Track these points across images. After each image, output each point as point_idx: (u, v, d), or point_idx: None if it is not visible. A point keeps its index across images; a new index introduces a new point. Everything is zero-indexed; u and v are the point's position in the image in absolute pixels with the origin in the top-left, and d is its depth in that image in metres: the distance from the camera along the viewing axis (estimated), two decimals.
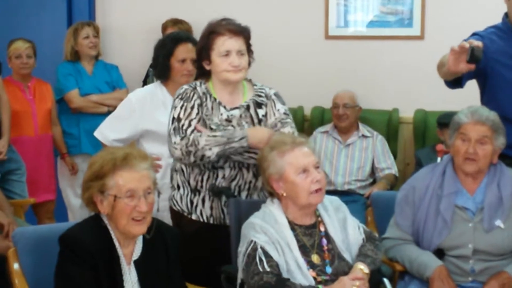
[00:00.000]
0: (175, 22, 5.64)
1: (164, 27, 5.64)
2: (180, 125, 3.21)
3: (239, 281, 2.94)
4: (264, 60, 5.67)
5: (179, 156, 3.18)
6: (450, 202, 3.21)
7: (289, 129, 3.33)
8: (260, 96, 3.37)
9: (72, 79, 5.25)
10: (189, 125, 3.21)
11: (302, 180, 2.93)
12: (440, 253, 3.21)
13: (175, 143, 3.18)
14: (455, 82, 3.45)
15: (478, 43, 3.13)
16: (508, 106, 3.45)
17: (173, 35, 3.97)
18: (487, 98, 3.57)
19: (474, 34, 3.54)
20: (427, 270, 3.14)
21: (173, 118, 3.24)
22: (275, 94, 3.40)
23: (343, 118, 5.21)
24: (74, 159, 5.28)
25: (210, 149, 3.15)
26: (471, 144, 3.18)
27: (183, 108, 3.24)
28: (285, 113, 3.37)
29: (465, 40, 3.24)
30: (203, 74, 3.36)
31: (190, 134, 3.18)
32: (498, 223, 3.16)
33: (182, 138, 3.17)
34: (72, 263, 2.56)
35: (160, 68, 3.87)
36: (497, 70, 3.46)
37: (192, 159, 3.17)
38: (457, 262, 3.18)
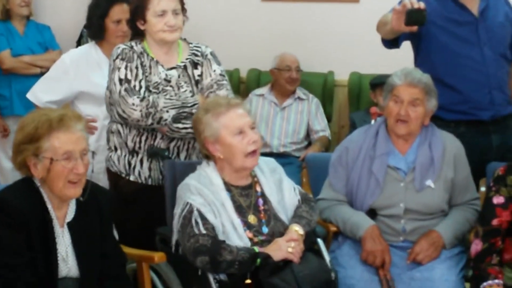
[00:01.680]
0: None
1: None
2: (132, 86, 3.19)
3: (173, 242, 2.95)
4: (200, 22, 5.66)
5: (137, 118, 3.16)
6: (383, 163, 3.26)
7: (225, 91, 3.34)
8: (196, 55, 3.37)
9: (3, 39, 5.11)
10: (140, 86, 3.20)
11: (238, 141, 2.93)
12: (372, 213, 3.26)
13: (133, 104, 3.16)
14: (392, 41, 3.47)
15: (419, 5, 3.13)
16: (441, 68, 3.50)
17: None
18: (420, 60, 3.62)
19: None
20: (359, 230, 3.19)
21: (120, 79, 3.21)
22: (211, 54, 3.41)
23: (295, 81, 5.23)
24: (6, 120, 5.17)
25: (167, 111, 3.17)
26: (403, 106, 3.22)
27: (128, 68, 3.22)
28: (221, 74, 3.38)
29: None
30: (137, 34, 3.33)
31: (149, 96, 3.16)
32: (429, 183, 3.23)
33: (141, 100, 3.15)
34: (2, 226, 2.52)
35: (95, 29, 3.81)
36: (432, 32, 3.50)
37: (150, 121, 3.17)
38: (389, 222, 3.24)
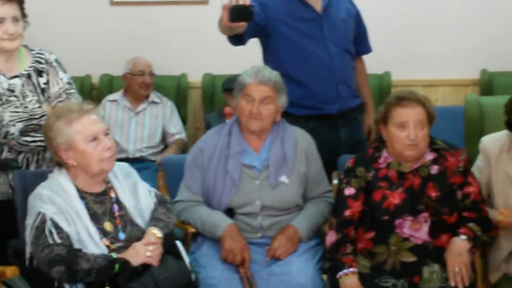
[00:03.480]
0: None
1: None
2: None
3: (27, 255, 2.84)
4: (47, 27, 5.54)
5: None
6: (237, 161, 3.29)
7: (74, 100, 3.27)
8: (39, 62, 3.27)
9: None
10: None
11: (93, 148, 2.87)
12: (230, 212, 3.29)
13: None
14: (237, 39, 3.49)
15: (243, 1, 3.14)
16: (289, 64, 3.58)
17: None
18: (268, 57, 3.69)
19: None
20: (218, 229, 3.21)
21: None
22: (56, 61, 3.32)
23: (149, 86, 5.19)
24: None
25: (14, 125, 3.07)
26: (255, 104, 3.26)
27: None
28: (68, 83, 3.31)
29: None
30: None
31: None
32: (283, 179, 3.29)
33: None
34: None
35: None
36: (278, 29, 3.57)
37: None
38: (247, 219, 3.28)
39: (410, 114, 3.06)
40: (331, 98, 3.61)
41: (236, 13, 3.14)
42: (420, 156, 3.11)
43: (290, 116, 3.50)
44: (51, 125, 2.90)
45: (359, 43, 3.81)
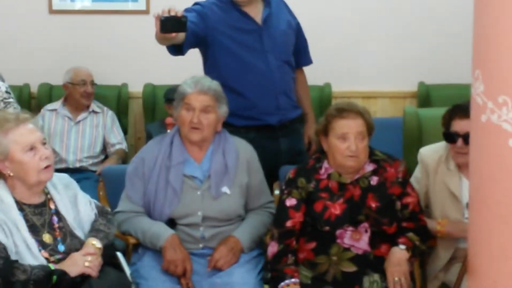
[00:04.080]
0: None
1: None
2: None
3: None
4: None
5: None
6: (179, 172, 3.28)
7: (13, 109, 3.21)
8: None
9: None
10: None
11: (30, 158, 2.82)
12: (172, 222, 3.27)
13: None
14: (176, 49, 3.47)
15: (175, 12, 3.14)
16: (228, 74, 3.59)
17: None
18: (208, 67, 3.69)
19: (196, 4, 3.62)
20: (159, 240, 3.19)
21: None
22: None
23: (91, 95, 5.14)
24: None
25: None
26: (195, 113, 3.26)
27: None
28: (7, 92, 3.25)
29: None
30: None
31: None
32: (225, 189, 3.28)
33: None
34: None
35: None
36: (218, 39, 3.58)
37: None
38: (188, 230, 3.26)
39: (350, 126, 3.09)
40: (271, 109, 3.63)
41: (168, 24, 3.14)
42: (360, 167, 3.15)
43: (230, 126, 3.50)
44: None
45: (300, 54, 3.83)
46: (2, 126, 2.83)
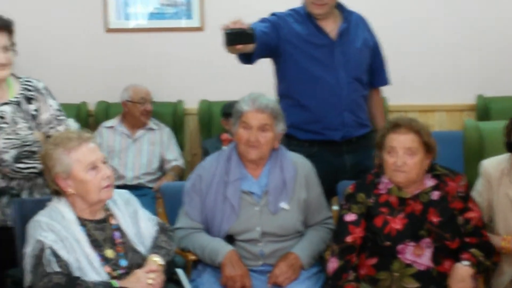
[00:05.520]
0: None
1: None
2: None
3: (26, 284, 2.80)
4: (42, 55, 5.55)
5: None
6: (236, 188, 3.27)
7: (64, 127, 3.27)
8: (28, 90, 3.26)
9: None
10: None
11: (92, 177, 2.85)
12: (230, 239, 3.27)
13: None
14: (246, 57, 3.47)
15: (240, 25, 3.16)
16: (296, 86, 3.59)
17: None
18: (278, 78, 3.69)
19: (272, 14, 3.64)
20: (218, 256, 3.18)
21: None
22: (45, 88, 3.31)
23: (150, 113, 5.21)
24: None
25: (7, 152, 3.05)
26: (252, 132, 3.25)
27: None
28: (58, 109, 3.30)
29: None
30: None
31: None
32: (283, 205, 3.27)
33: None
34: None
35: None
36: (288, 51, 3.57)
37: None
38: (247, 246, 3.25)
39: (399, 140, 3.07)
40: (335, 125, 3.59)
41: (233, 36, 3.16)
42: (411, 183, 3.11)
43: (294, 139, 3.50)
44: (50, 154, 2.88)
45: (375, 74, 3.77)
46: (65, 145, 2.87)
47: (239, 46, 3.21)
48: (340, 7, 3.69)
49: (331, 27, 3.61)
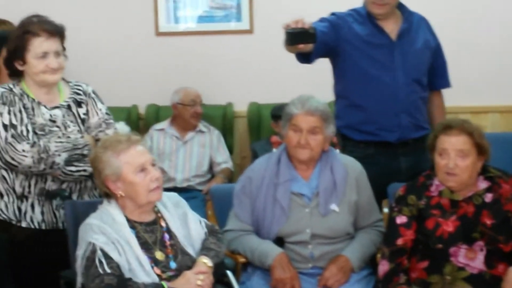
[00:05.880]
0: None
1: None
2: (19, 131, 3.08)
3: (79, 285, 2.84)
4: (94, 59, 5.62)
5: (29, 164, 3.06)
6: (286, 189, 3.26)
7: (113, 130, 3.31)
8: (78, 93, 3.31)
9: None
10: (27, 130, 3.10)
11: (141, 179, 2.88)
12: (280, 241, 3.26)
13: (23, 150, 3.05)
14: (304, 56, 3.46)
15: (302, 24, 3.15)
16: (352, 87, 3.57)
17: None
18: (336, 77, 3.68)
19: (332, 14, 3.63)
20: (268, 258, 3.18)
21: (5, 125, 3.09)
22: (94, 92, 3.36)
23: (200, 115, 5.24)
24: None
25: (59, 155, 3.09)
26: (302, 134, 3.23)
27: (12, 113, 3.11)
28: (107, 113, 3.35)
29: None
30: (15, 74, 3.23)
31: (39, 140, 3.07)
32: (333, 207, 3.25)
33: (32, 145, 3.05)
34: None
35: None
36: (347, 51, 3.55)
37: (42, 166, 3.07)
38: (297, 249, 3.24)
39: (451, 142, 3.03)
40: (390, 126, 3.55)
41: (294, 36, 3.15)
42: (463, 186, 3.06)
43: (349, 140, 3.49)
44: (100, 157, 2.91)
45: (436, 76, 3.71)
46: (115, 147, 2.90)
47: (301, 46, 3.21)
48: (401, 8, 3.65)
49: (392, 27, 3.58)
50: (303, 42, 3.19)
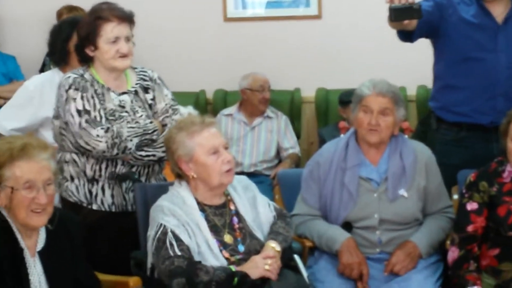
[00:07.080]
0: (70, 9, 5.50)
1: (59, 14, 5.49)
2: (92, 117, 3.14)
3: (149, 265, 2.90)
4: (163, 45, 5.68)
5: (103, 149, 3.12)
6: (354, 174, 3.25)
7: (179, 116, 3.32)
8: (144, 80, 3.35)
9: None
10: (101, 116, 3.16)
11: (214, 161, 2.90)
12: (347, 225, 3.25)
13: (98, 136, 3.11)
14: (406, 34, 3.43)
15: (406, 1, 3.13)
16: (449, 68, 3.52)
17: (70, 19, 3.88)
18: (436, 58, 3.63)
19: None
20: (335, 243, 3.18)
21: (78, 110, 3.15)
22: (159, 78, 3.40)
23: (268, 101, 5.27)
24: None
25: (131, 140, 3.15)
26: (373, 115, 3.21)
27: (85, 99, 3.17)
28: (172, 99, 3.38)
29: None
30: (84, 60, 3.28)
31: (112, 126, 3.14)
32: (402, 192, 3.22)
33: (106, 131, 3.11)
34: None
35: (58, 54, 3.77)
36: (449, 32, 3.50)
37: (115, 151, 3.14)
38: (364, 234, 3.23)
39: None
40: (485, 109, 3.48)
41: (400, 12, 3.13)
42: None
43: (443, 122, 3.47)
44: (173, 137, 2.95)
45: None
46: (189, 129, 2.93)
47: (405, 22, 3.18)
48: None
49: (500, 10, 3.49)
50: (408, 18, 3.16)
